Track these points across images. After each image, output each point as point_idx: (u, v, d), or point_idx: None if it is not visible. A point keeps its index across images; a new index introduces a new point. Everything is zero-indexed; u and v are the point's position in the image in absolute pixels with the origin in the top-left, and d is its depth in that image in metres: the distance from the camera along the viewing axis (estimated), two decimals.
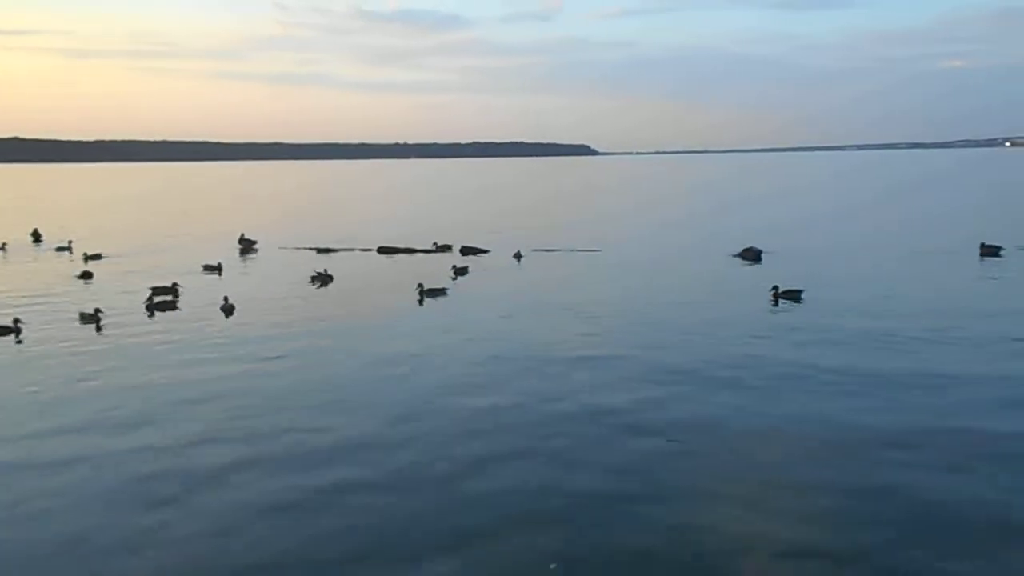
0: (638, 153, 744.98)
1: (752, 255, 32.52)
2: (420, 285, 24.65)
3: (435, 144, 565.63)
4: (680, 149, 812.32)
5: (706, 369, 16.10)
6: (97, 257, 35.03)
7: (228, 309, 22.69)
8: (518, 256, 33.17)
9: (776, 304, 22.16)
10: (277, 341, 19.17)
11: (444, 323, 20.99)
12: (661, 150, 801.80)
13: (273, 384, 15.67)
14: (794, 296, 22.57)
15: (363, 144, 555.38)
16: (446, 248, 36.59)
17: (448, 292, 25.06)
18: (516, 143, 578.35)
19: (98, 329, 20.76)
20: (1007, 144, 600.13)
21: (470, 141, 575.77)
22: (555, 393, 14.79)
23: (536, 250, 33.88)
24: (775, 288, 22.61)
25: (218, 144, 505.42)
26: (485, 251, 35.74)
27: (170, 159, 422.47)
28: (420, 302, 23.91)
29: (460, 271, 28.57)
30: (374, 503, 10.41)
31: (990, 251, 31.87)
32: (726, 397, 14.37)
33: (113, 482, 11.18)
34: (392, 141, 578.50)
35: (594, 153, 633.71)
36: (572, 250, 35.61)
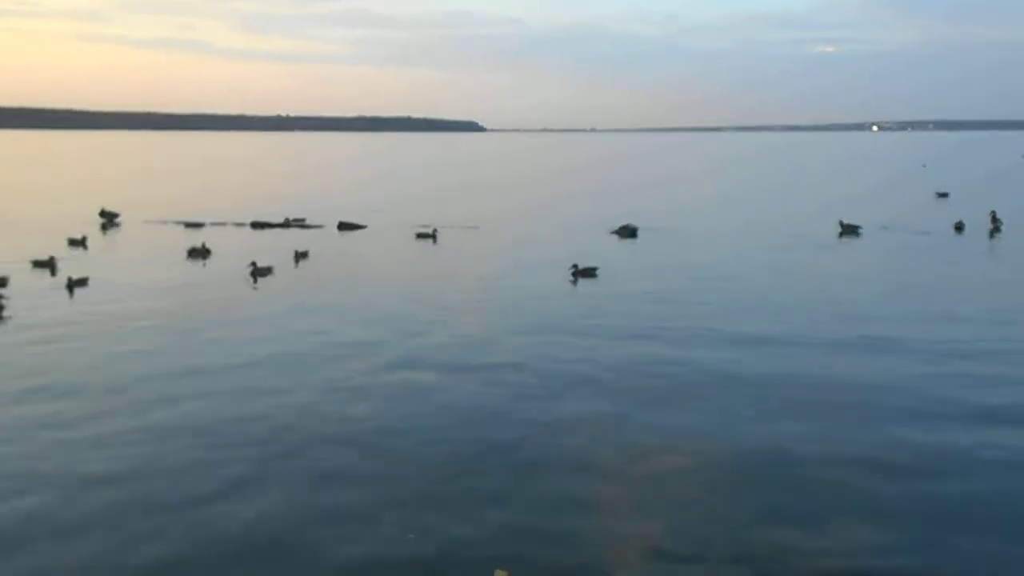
0: (526, 131, 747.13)
1: (627, 232, 33.11)
2: (253, 264, 23.78)
3: (319, 117, 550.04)
4: (566, 127, 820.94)
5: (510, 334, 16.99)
6: None
7: (73, 285, 21.62)
8: (433, 235, 31.94)
9: (575, 282, 23.18)
10: (131, 332, 18.02)
11: (264, 308, 20.01)
12: (548, 128, 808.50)
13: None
14: (590, 273, 23.97)
15: (242, 116, 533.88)
16: (299, 222, 36.25)
17: (274, 271, 24.15)
18: (404, 118, 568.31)
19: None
20: (874, 128, 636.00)
21: (356, 115, 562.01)
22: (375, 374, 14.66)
23: (413, 227, 33.34)
24: (574, 266, 23.86)
25: (82, 112, 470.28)
26: (362, 226, 35.20)
27: (27, 127, 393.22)
28: (253, 282, 23.10)
29: (301, 255, 27.06)
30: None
31: (849, 230, 33.21)
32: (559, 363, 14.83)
33: None
34: (273, 113, 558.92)
35: (482, 130, 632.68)
36: (450, 227, 35.28)
